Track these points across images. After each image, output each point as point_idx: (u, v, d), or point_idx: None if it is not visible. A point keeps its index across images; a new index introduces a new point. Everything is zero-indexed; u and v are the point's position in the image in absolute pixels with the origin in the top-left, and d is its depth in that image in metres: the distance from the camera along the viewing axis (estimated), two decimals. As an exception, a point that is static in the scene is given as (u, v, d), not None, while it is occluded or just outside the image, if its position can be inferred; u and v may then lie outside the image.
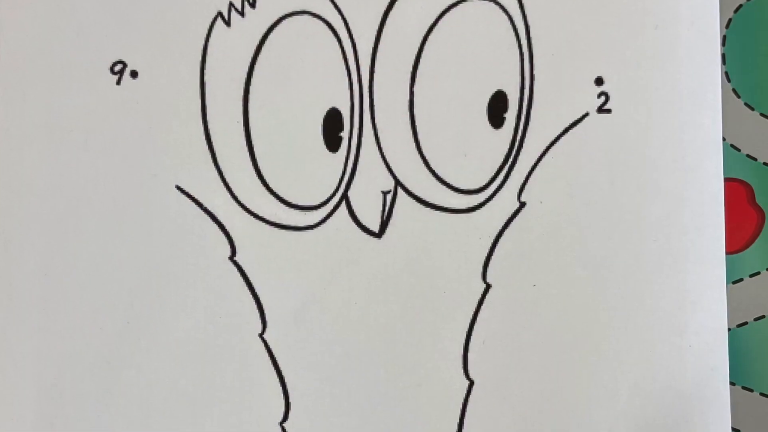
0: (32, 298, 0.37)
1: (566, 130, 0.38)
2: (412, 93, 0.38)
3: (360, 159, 0.38)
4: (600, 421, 0.37)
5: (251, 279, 0.38)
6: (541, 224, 0.37)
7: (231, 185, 0.38)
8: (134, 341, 0.37)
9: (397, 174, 0.38)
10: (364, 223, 0.38)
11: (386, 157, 0.38)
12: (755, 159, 0.38)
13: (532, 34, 0.37)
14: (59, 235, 0.38)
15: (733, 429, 0.37)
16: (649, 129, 0.37)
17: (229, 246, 0.38)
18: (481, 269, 0.37)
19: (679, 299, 0.37)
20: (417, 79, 0.38)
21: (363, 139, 0.38)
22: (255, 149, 0.38)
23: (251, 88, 0.38)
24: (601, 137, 0.37)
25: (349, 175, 0.38)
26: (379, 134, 0.38)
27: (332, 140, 0.38)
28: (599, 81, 0.37)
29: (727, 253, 0.37)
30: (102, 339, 0.37)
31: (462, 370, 0.37)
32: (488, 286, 0.37)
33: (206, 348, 0.37)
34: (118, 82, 0.38)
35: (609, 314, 0.37)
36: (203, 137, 0.38)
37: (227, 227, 0.38)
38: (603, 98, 0.37)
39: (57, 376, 0.37)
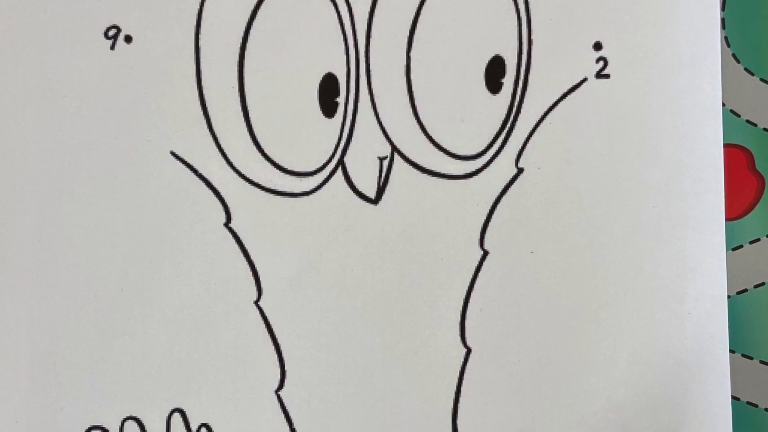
0: (25, 266, 0.37)
1: (564, 96, 0.37)
2: (408, 58, 0.37)
3: (356, 124, 0.37)
4: (598, 388, 0.37)
5: (246, 245, 0.37)
6: (539, 190, 0.37)
7: (226, 151, 0.37)
8: (128, 309, 0.37)
9: (393, 140, 0.37)
10: (360, 189, 0.37)
11: (383, 122, 0.37)
12: (755, 125, 0.38)
13: (530, -1, 0.37)
14: (52, 202, 0.37)
15: (732, 397, 0.37)
16: (648, 94, 0.37)
17: (224, 212, 0.37)
18: (478, 236, 0.37)
19: (678, 266, 0.37)
20: (414, 44, 0.37)
21: (359, 104, 0.37)
22: (250, 115, 0.37)
23: (246, 53, 0.37)
24: (599, 103, 0.37)
25: (345, 140, 0.37)
26: (376, 100, 0.37)
27: (328, 105, 0.37)
28: (598, 46, 0.37)
29: (727, 219, 0.37)
30: (96, 306, 0.37)
31: (459, 338, 0.37)
32: (486, 253, 0.37)
33: (201, 315, 0.37)
34: (112, 47, 0.37)
35: (607, 281, 0.37)
36: (198, 103, 0.37)
37: (222, 193, 0.37)
38: (601, 63, 0.37)
39: (51, 343, 0.37)
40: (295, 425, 0.37)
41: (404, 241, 0.37)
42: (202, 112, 0.37)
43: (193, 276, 0.37)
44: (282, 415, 0.37)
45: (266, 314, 0.37)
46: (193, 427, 0.37)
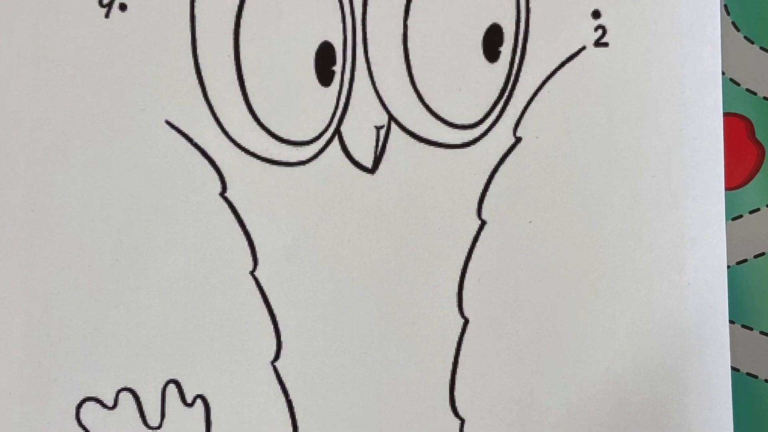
0: (18, 236, 0.37)
1: (563, 64, 0.37)
2: (405, 26, 0.37)
3: (353, 93, 0.37)
4: (597, 359, 0.36)
5: (242, 215, 0.37)
6: (537, 160, 0.37)
7: (221, 120, 0.37)
8: (123, 279, 0.37)
9: (390, 109, 0.37)
10: (357, 159, 0.37)
11: (379, 91, 0.37)
12: (755, 93, 0.37)
13: (528, -33, 0.37)
14: (46, 171, 0.37)
15: (732, 368, 0.36)
16: (647, 63, 0.37)
17: (219, 182, 0.37)
18: (475, 206, 0.37)
19: (677, 236, 0.36)
20: (411, 12, 0.37)
21: (356, 73, 0.37)
22: (246, 83, 0.37)
23: (242, 21, 0.37)
24: (598, 71, 0.37)
25: (342, 109, 0.37)
26: (373, 68, 0.37)
27: (324, 74, 0.37)
28: (596, 14, 0.37)
29: (727, 189, 0.37)
30: (90, 276, 0.37)
31: (456, 308, 0.37)
32: (483, 223, 0.37)
33: (196, 286, 0.37)
34: (107, 15, 0.37)
35: (606, 251, 0.37)
36: (193, 71, 0.37)
37: (218, 163, 0.37)
38: (600, 32, 0.37)
39: (44, 314, 0.37)
40: (291, 396, 0.37)
41: (401, 211, 0.37)
42: (197, 81, 0.37)
43: (188, 246, 0.37)
44: (278, 386, 0.36)
45: (262, 284, 0.37)
46: (189, 398, 0.37)
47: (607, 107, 0.37)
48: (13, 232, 0.37)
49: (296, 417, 0.36)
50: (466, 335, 0.37)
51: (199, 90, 0.37)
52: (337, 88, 0.37)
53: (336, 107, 0.37)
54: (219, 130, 0.37)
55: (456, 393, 0.36)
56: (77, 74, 0.37)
